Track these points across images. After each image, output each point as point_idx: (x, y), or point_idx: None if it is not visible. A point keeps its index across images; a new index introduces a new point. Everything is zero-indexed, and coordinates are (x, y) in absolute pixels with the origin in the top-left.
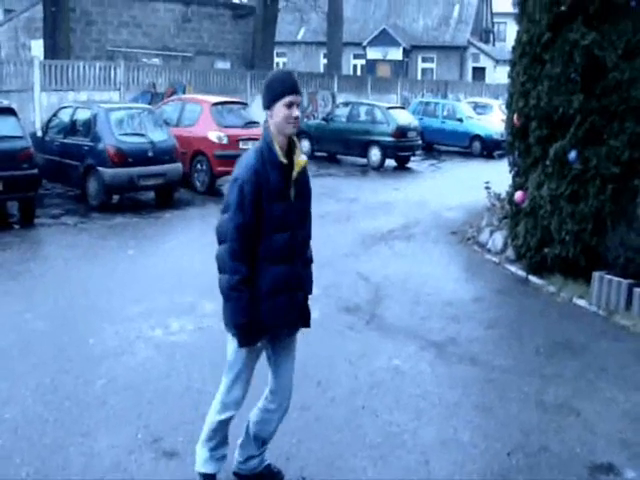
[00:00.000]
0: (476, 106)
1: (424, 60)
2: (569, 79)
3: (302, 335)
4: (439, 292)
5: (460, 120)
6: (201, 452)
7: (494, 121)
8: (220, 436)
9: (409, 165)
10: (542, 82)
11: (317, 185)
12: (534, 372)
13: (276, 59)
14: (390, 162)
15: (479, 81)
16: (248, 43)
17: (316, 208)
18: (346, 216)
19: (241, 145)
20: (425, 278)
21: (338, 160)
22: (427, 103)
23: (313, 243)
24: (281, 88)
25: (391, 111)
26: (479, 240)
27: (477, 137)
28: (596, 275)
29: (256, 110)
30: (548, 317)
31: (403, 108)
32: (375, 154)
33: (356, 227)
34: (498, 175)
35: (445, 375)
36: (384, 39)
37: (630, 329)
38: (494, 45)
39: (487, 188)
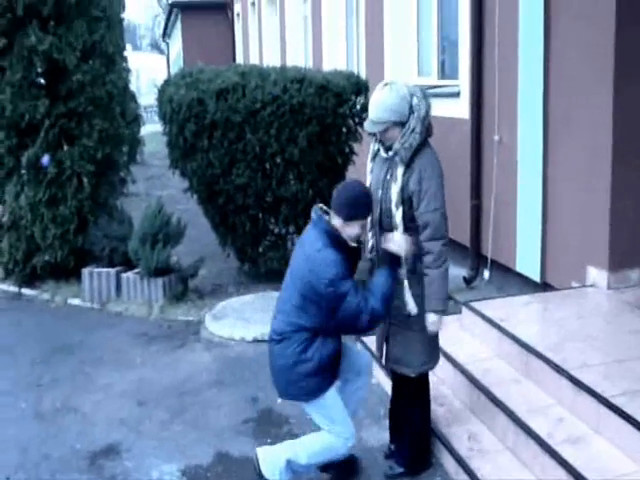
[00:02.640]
0: None
1: None
2: (33, 84)
3: None
4: None
5: None
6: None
7: None
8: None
9: None
10: (4, 90)
11: None
12: (31, 385)
13: None
14: None
15: None
16: None
17: None
18: None
19: None
20: None
21: None
22: None
23: None
24: (365, 211)
25: None
26: None
27: None
28: (85, 271)
29: None
30: (44, 325)
31: None
32: None
33: None
34: None
35: None
36: None
37: (123, 314)
38: None
39: None
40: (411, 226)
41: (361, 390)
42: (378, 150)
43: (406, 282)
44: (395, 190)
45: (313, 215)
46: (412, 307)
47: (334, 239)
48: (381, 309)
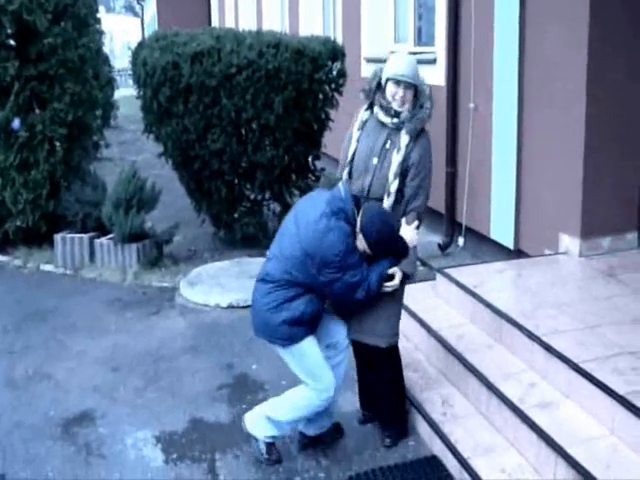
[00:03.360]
0: None
1: None
2: (2, 45)
3: None
4: None
5: None
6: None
7: None
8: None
9: None
10: None
11: None
12: (2, 353)
13: None
14: None
15: None
16: None
17: None
18: None
19: None
20: None
21: None
22: None
23: None
24: (371, 239)
25: None
26: None
27: None
28: (58, 237)
29: None
30: (16, 292)
31: None
32: None
33: None
34: None
35: None
36: None
37: (97, 280)
38: None
39: None
40: (397, 197)
41: (340, 366)
42: (367, 120)
43: None
44: (397, 160)
45: (341, 188)
46: None
47: (349, 224)
48: (375, 289)
